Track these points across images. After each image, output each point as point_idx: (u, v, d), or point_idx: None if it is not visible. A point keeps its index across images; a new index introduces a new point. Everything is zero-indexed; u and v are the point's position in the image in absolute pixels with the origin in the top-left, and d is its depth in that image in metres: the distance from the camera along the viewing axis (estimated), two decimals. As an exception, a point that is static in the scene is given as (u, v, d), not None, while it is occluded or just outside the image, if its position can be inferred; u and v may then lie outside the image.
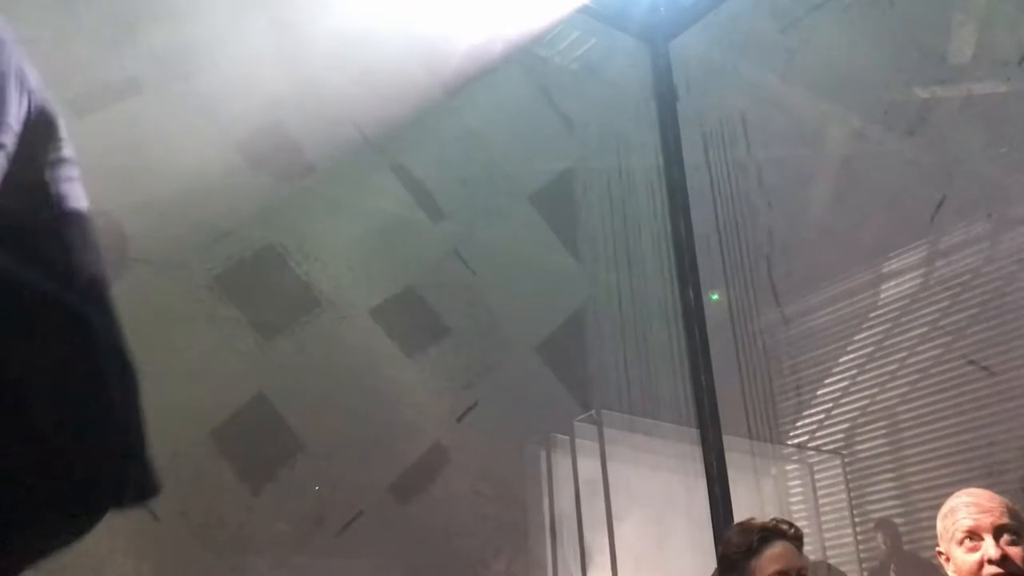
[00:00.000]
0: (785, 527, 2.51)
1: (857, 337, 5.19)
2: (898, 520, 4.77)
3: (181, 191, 4.20)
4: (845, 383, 5.17)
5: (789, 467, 5.35)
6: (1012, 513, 2.12)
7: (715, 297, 5.51)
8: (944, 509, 2.23)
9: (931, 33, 5.10)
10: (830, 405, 5.22)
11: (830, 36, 5.58)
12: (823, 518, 5.13)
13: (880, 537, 4.78)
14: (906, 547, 4.69)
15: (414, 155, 5.16)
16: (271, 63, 4.58)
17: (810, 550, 4.86)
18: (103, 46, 4.16)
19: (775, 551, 2.42)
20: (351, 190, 4.86)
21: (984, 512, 2.11)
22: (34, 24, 3.84)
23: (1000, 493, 2.17)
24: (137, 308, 3.88)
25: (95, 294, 0.90)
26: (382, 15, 4.91)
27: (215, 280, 4.25)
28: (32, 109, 0.89)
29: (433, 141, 5.30)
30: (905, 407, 4.87)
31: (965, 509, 2.15)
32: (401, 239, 4.98)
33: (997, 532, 2.08)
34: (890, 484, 4.89)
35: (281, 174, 4.64)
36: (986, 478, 4.36)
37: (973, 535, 2.10)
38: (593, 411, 4.93)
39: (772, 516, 2.65)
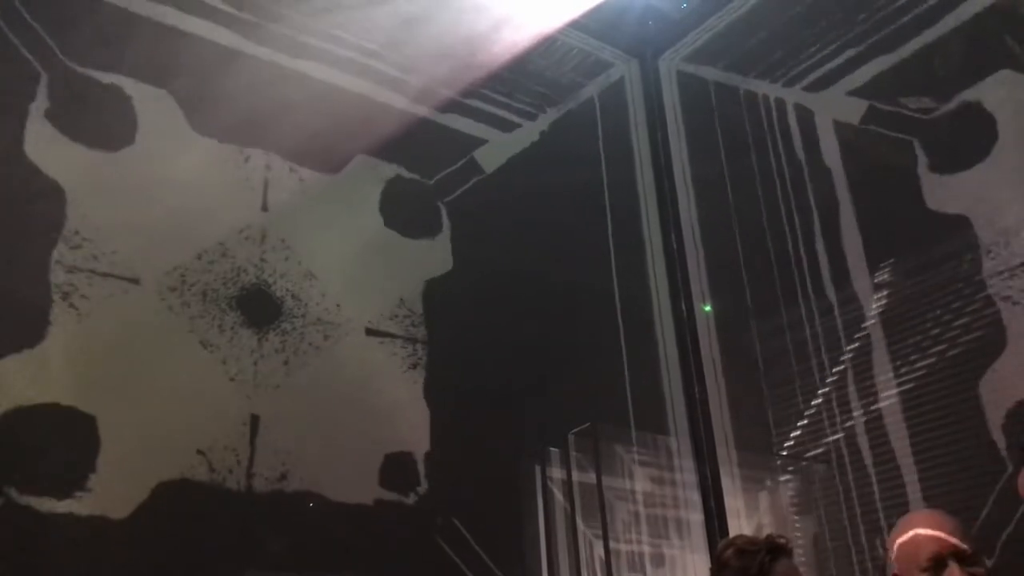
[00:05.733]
0: (783, 541, 2.50)
1: (850, 347, 5.20)
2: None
3: (173, 209, 4.21)
4: (839, 393, 5.18)
5: (783, 478, 5.36)
6: (968, 537, 2.25)
7: (707, 308, 5.53)
8: (902, 535, 2.33)
9: (921, 47, 5.16)
10: (824, 415, 5.23)
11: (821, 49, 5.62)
12: (818, 529, 5.13)
13: (880, 544, 4.78)
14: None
15: (406, 172, 5.20)
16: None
17: (805, 561, 4.86)
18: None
19: (782, 569, 2.42)
20: (346, 208, 4.90)
21: (946, 539, 2.23)
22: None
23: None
24: (128, 327, 3.88)
25: None
26: (372, 38, 4.98)
27: (203, 298, 4.25)
28: None
29: (426, 158, 5.34)
30: (899, 416, 4.89)
31: (928, 537, 2.26)
32: (393, 256, 5.00)
33: (960, 558, 2.20)
34: (886, 493, 4.90)
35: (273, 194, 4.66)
36: (983, 487, 4.38)
37: (938, 563, 2.22)
38: (587, 424, 4.93)
39: (764, 531, 2.64)
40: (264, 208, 4.59)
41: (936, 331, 4.79)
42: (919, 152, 5.11)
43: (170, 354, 4.00)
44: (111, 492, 3.31)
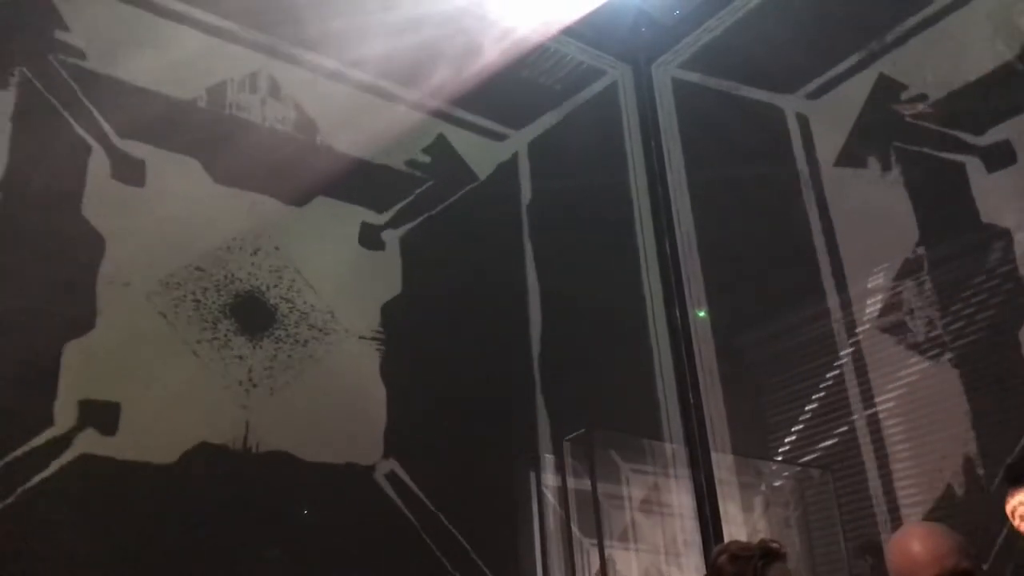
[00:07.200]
0: (777, 546, 2.51)
1: (844, 352, 5.21)
2: (887, 536, 4.77)
3: (170, 218, 4.25)
4: (833, 398, 5.19)
5: (778, 483, 5.36)
6: (967, 553, 2.22)
7: (701, 314, 5.54)
8: (899, 555, 2.30)
9: (914, 57, 5.19)
10: (818, 421, 5.23)
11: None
12: (813, 535, 5.13)
13: (868, 559, 4.77)
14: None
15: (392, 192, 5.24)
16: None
17: (801, 568, 4.86)
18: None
19: (776, 574, 2.42)
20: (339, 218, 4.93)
21: (945, 561, 2.20)
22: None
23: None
24: (124, 333, 3.92)
25: None
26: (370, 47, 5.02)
27: (199, 305, 4.25)
28: None
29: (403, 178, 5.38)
30: (893, 421, 4.89)
31: (926, 559, 2.22)
32: (385, 266, 5.02)
33: None
34: (880, 499, 4.90)
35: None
36: (973, 493, 4.38)
37: None
38: (582, 430, 4.92)
39: (759, 536, 2.65)
40: (255, 217, 4.63)
41: (935, 332, 4.80)
42: (918, 154, 5.12)
43: (167, 359, 4.08)
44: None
